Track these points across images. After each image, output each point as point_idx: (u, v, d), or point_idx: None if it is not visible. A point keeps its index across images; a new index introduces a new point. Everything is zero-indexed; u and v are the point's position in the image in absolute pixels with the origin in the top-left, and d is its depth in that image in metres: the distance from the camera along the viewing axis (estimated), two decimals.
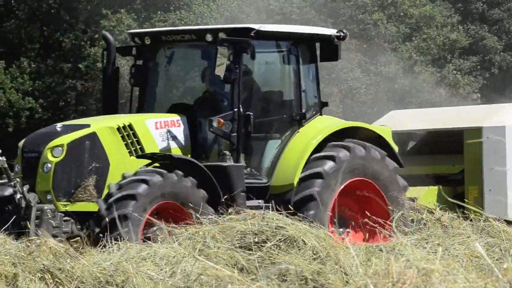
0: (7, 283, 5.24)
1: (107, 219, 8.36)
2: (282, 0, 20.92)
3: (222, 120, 9.23)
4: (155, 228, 8.40)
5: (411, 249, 5.70)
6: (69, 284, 5.37)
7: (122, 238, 7.92)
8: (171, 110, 9.84)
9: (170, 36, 10.20)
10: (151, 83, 10.22)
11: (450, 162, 11.15)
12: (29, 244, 5.90)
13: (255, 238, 5.91)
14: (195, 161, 9.17)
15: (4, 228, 8.60)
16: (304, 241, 5.85)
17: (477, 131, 10.72)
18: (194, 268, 5.45)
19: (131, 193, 8.46)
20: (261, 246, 5.84)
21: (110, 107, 10.05)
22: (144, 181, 8.55)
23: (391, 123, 11.13)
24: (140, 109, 10.14)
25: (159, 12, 18.89)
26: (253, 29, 9.54)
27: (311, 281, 5.60)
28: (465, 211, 8.13)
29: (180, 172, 8.86)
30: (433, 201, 10.30)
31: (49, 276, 5.42)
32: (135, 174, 8.73)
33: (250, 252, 5.80)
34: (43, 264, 5.41)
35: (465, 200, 9.83)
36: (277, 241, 5.83)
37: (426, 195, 10.75)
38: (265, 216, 6.01)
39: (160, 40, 10.14)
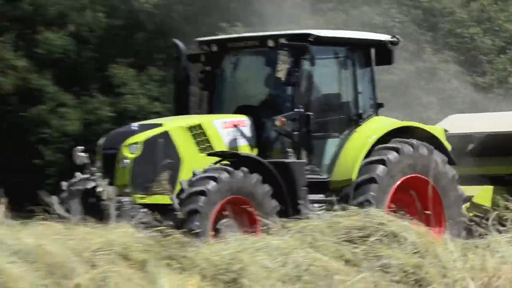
0: (138, 268, 5.72)
1: (180, 214, 8.82)
2: (385, 15, 21.69)
3: (284, 119, 9.63)
4: (225, 221, 9.08)
5: (506, 246, 6.04)
6: (192, 270, 5.79)
7: (194, 231, 8.43)
8: (237, 111, 10.27)
9: (234, 43, 10.71)
10: (219, 87, 10.66)
11: (506, 163, 11.35)
12: (157, 234, 6.52)
13: (359, 233, 6.40)
14: (260, 158, 9.63)
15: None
16: (404, 237, 6.30)
17: None
18: (304, 259, 5.87)
19: (201, 189, 8.89)
20: (365, 240, 6.30)
21: (181, 109, 10.57)
22: (213, 178, 8.97)
23: (450, 126, 11.40)
24: (209, 111, 10.61)
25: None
26: (311, 34, 9.94)
27: (412, 274, 5.98)
28: None
29: (245, 169, 9.26)
30: (488, 200, 10.76)
31: (175, 263, 5.86)
32: (204, 172, 9.14)
33: (355, 246, 6.27)
34: (169, 252, 5.95)
35: None
36: (379, 236, 6.26)
37: (482, 194, 11.08)
38: (368, 213, 6.48)
39: (225, 47, 10.56)
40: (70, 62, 21.75)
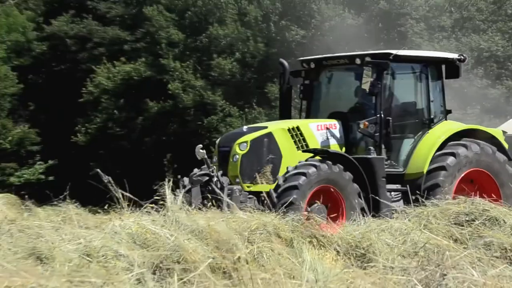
0: (286, 245, 6.85)
1: (277, 206, 9.85)
2: (490, 41, 24.46)
3: (367, 123, 11.13)
4: (315, 205, 10.26)
5: None
6: (329, 247, 6.92)
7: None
8: (330, 116, 11.83)
9: (329, 61, 12.29)
10: (316, 97, 12.38)
11: None
12: (301, 217, 7.68)
13: (466, 217, 7.49)
14: (345, 154, 11.08)
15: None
16: (504, 220, 7.33)
17: None
18: (420, 238, 6.82)
19: (294, 184, 10.20)
20: (471, 223, 7.37)
21: (285, 115, 12.40)
22: (303, 174, 10.28)
23: (510, 128, 13.43)
24: (307, 117, 12.30)
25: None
26: (391, 53, 11.52)
27: (509, 251, 7.01)
28: None
29: (329, 162, 10.59)
30: None
31: (315, 241, 6.96)
32: (295, 168, 10.44)
33: (462, 227, 7.34)
34: (311, 232, 7.09)
35: None
36: (483, 220, 7.33)
37: None
38: (473, 201, 7.54)
39: (321, 64, 12.23)
40: (236, 81, 25.86)
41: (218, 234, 6.61)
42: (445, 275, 5.62)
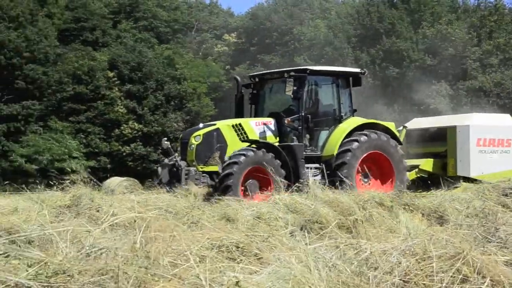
0: (388, 210, 9.28)
1: (221, 175, 13.46)
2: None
3: (289, 119, 14.68)
4: (250, 181, 13.66)
5: None
6: (417, 211, 9.58)
7: (229, 187, 13.22)
8: (269, 116, 15.36)
9: (268, 76, 16.17)
10: (260, 102, 15.99)
11: (440, 146, 16.75)
12: (396, 192, 10.38)
13: (510, 191, 10.12)
14: (272, 143, 14.42)
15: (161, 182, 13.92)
16: None
17: (454, 128, 16.57)
18: (480, 205, 9.55)
19: (235, 160, 13.59)
20: None
21: (239, 116, 15.74)
22: (243, 155, 13.69)
23: (412, 124, 17.65)
24: (255, 117, 15.66)
25: None
26: (307, 69, 15.24)
27: None
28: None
29: (264, 150, 13.97)
30: (430, 168, 16.38)
31: (407, 207, 9.66)
32: (239, 151, 13.77)
33: (507, 197, 9.98)
34: (404, 201, 9.78)
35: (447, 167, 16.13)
36: None
37: (425, 164, 16.52)
38: None
39: (263, 78, 16.07)
40: None
41: (342, 203, 9.32)
42: (498, 229, 7.38)
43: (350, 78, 15.68)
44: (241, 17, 60.77)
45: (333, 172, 14.43)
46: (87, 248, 5.51)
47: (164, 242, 5.87)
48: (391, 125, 15.80)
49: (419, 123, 18.06)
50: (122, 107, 38.30)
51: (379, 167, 15.12)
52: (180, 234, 6.39)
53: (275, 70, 16.78)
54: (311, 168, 14.59)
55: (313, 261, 5.64)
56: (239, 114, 15.92)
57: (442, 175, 15.77)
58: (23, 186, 12.47)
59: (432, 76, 38.59)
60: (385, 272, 5.60)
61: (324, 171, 14.62)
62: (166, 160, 14.61)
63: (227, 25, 59.45)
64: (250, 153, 13.71)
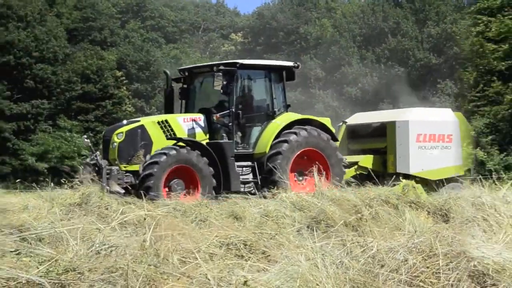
0: (394, 208, 9.22)
1: (141, 175, 12.59)
2: None
3: (218, 115, 13.71)
4: (175, 181, 12.76)
5: None
6: (422, 209, 9.41)
7: (150, 188, 12.34)
8: (199, 112, 14.25)
9: (197, 69, 15.04)
10: (190, 97, 14.83)
11: (381, 142, 15.95)
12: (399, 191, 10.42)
13: None
14: (197, 140, 13.46)
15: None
16: None
17: (393, 124, 15.72)
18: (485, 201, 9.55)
19: (156, 160, 12.67)
20: None
21: (168, 112, 14.63)
22: (165, 154, 12.75)
23: (353, 119, 16.96)
24: (186, 112, 14.62)
25: None
26: (237, 62, 14.17)
27: None
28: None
29: (189, 148, 13.06)
30: (369, 164, 15.51)
31: (413, 205, 9.50)
32: (161, 150, 12.88)
33: None
34: (409, 199, 9.72)
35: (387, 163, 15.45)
36: None
37: (364, 160, 15.70)
38: None
39: (192, 72, 14.90)
40: None
41: (349, 201, 9.31)
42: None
43: (284, 72, 14.75)
44: (248, 16, 60.89)
45: (266, 171, 13.64)
46: (97, 245, 5.58)
47: (173, 240, 5.94)
48: (326, 121, 14.89)
49: (360, 118, 17.33)
50: (130, 106, 38.54)
51: (313, 163, 13.99)
52: (189, 232, 6.44)
53: (205, 63, 15.87)
54: (242, 167, 13.84)
55: (320, 258, 5.67)
56: (169, 110, 14.85)
57: (383, 172, 15.23)
58: (33, 184, 12.56)
59: (437, 74, 38.57)
60: (392, 269, 5.65)
61: (256, 169, 13.80)
62: (87, 160, 13.69)
63: (233, 25, 59.61)
64: (173, 152, 12.85)
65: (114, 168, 12.92)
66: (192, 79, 15.04)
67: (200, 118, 14.07)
